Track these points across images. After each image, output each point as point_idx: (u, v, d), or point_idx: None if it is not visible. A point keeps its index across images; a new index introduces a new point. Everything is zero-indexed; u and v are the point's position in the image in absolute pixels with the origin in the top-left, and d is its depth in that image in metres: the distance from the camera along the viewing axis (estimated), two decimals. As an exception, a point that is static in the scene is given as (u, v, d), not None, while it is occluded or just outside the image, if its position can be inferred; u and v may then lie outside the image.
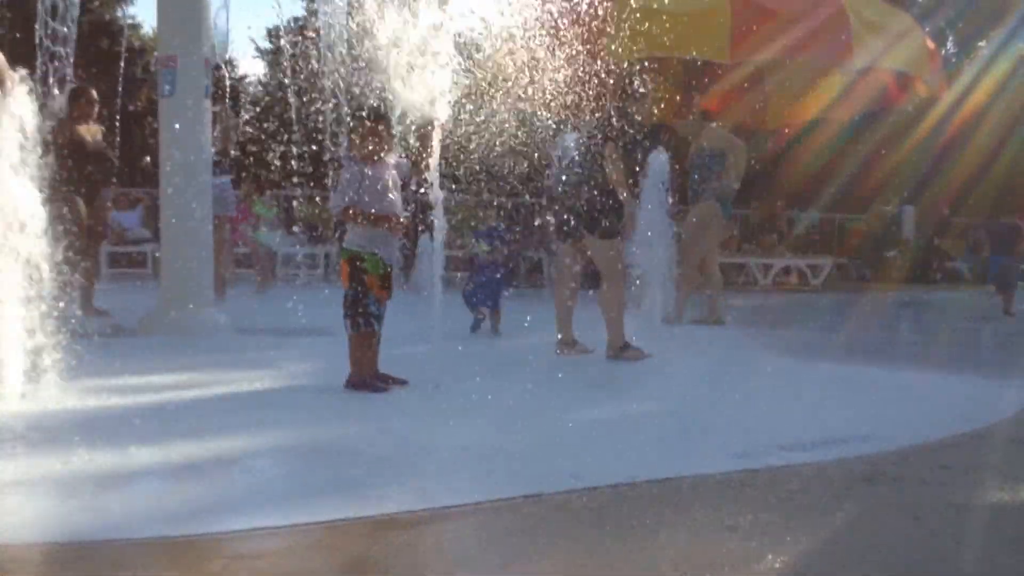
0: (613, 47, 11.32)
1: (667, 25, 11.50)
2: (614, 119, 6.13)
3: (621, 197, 6.01)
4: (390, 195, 4.75)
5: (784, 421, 4.13)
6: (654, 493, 3.06)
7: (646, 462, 3.41)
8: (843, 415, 4.31)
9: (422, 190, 6.17)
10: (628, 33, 11.43)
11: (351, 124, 5.75)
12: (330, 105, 7.09)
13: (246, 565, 2.36)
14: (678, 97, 14.35)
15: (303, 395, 4.58)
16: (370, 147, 4.73)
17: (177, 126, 6.85)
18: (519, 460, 3.40)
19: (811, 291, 14.64)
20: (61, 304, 4.36)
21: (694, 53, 11.98)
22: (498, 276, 7.42)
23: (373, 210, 4.67)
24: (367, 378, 4.64)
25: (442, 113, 5.19)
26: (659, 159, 8.08)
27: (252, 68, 55.51)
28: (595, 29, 11.33)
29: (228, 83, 8.43)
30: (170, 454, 3.38)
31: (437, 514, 2.78)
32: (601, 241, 6.01)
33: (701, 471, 3.29)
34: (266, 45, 23.30)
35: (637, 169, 6.41)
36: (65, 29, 8.15)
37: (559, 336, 6.21)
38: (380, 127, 4.76)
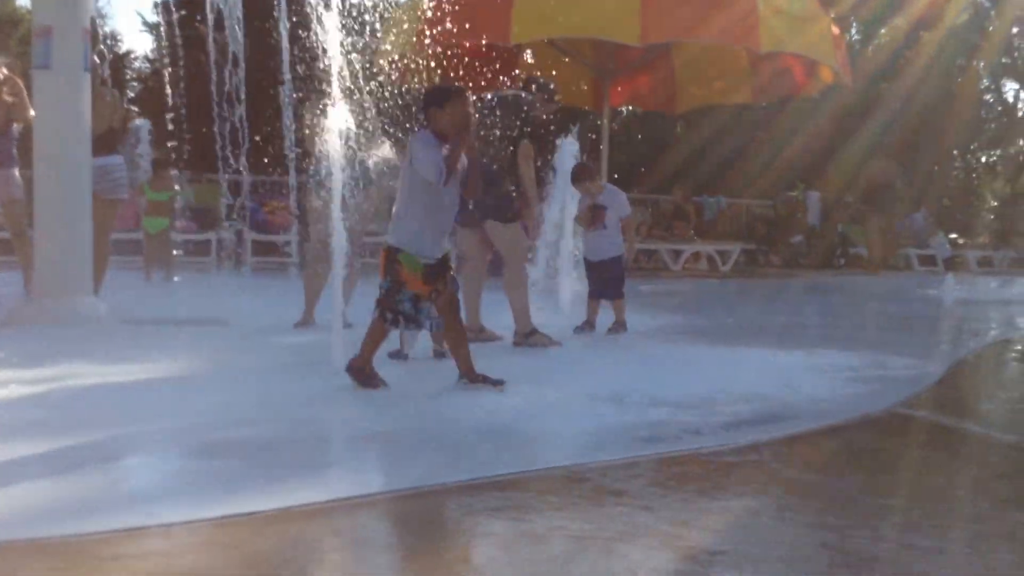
0: (519, 28, 11.17)
1: (577, 6, 11.39)
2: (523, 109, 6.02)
3: (530, 196, 5.94)
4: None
5: (695, 406, 3.99)
6: (562, 481, 2.92)
7: (555, 450, 3.37)
8: (754, 396, 4.22)
9: None
10: (536, 13, 11.29)
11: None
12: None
13: (124, 566, 2.16)
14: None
15: (187, 388, 4.24)
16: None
17: (53, 100, 6.41)
18: (420, 447, 3.28)
19: (720, 277, 14.74)
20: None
21: (605, 35, 11.88)
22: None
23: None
24: (368, 369, 4.22)
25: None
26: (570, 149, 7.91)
27: (138, 43, 53.29)
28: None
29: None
30: (43, 449, 3.13)
31: (335, 506, 2.58)
32: (501, 226, 5.89)
33: (609, 457, 3.17)
34: (153, 19, 21.96)
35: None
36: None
37: (467, 323, 5.98)
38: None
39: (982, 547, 2.40)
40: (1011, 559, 2.29)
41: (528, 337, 5.79)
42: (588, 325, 6.69)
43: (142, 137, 10.76)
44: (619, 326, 6.69)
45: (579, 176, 7.02)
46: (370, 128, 5.83)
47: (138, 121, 11.28)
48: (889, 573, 2.18)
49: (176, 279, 10.68)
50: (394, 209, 4.39)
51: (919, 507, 2.79)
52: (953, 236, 20.15)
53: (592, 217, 6.87)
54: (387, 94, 6.11)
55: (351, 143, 4.91)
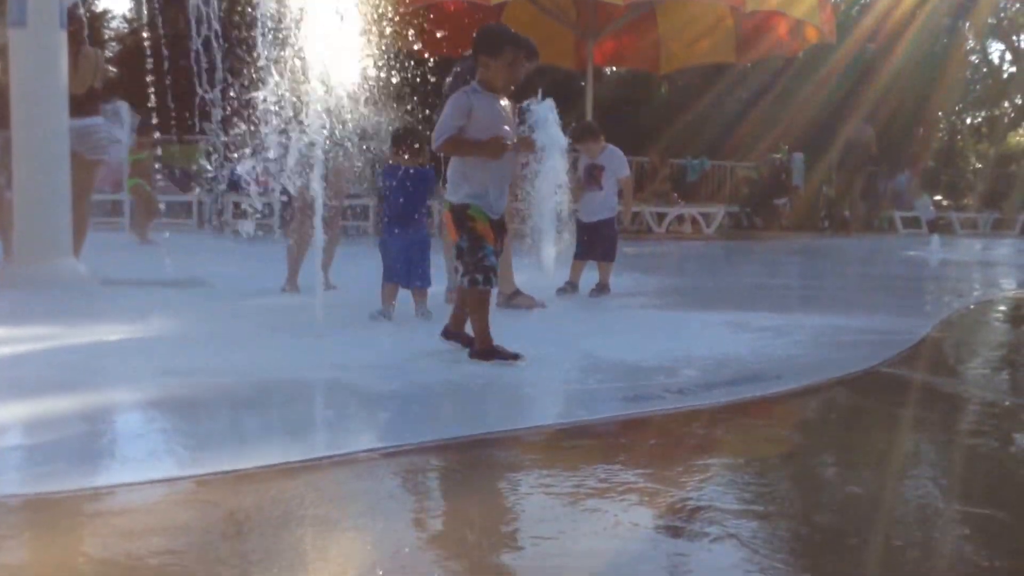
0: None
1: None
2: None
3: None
4: (504, 127, 4.07)
5: (678, 367, 3.98)
6: (545, 440, 2.94)
7: (538, 409, 3.43)
8: (737, 357, 4.22)
9: None
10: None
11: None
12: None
13: (105, 522, 2.16)
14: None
15: (168, 349, 4.20)
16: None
17: (30, 59, 6.29)
18: (402, 406, 3.29)
19: (704, 239, 14.73)
20: None
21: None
22: (423, 236, 5.28)
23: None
24: (495, 346, 3.94)
25: None
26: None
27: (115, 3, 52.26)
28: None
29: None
30: (23, 409, 3.13)
31: (315, 464, 2.57)
32: None
33: (592, 416, 3.19)
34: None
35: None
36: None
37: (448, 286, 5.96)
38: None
39: (964, 502, 2.41)
40: (991, 513, 2.30)
41: (511, 298, 5.75)
42: (571, 286, 6.67)
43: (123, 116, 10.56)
44: (603, 288, 6.66)
45: (583, 135, 6.94)
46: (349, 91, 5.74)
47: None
48: (869, 527, 2.19)
49: (149, 239, 10.56)
50: (450, 170, 4.19)
51: (899, 464, 2.81)
52: (937, 198, 20.18)
53: (589, 178, 6.82)
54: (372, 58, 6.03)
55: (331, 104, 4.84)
